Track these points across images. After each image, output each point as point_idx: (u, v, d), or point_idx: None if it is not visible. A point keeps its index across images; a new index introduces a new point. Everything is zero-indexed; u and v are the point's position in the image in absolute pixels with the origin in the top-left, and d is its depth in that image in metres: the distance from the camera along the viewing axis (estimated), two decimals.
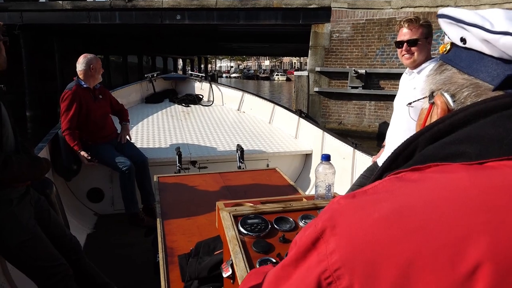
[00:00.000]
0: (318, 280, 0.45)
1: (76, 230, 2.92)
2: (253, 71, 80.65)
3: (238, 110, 5.88)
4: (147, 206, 3.56)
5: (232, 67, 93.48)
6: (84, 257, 2.24)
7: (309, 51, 10.57)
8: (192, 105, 6.08)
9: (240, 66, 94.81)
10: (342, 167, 3.60)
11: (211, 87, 6.27)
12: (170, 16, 11.68)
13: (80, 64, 3.40)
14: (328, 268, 0.44)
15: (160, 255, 1.72)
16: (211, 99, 6.21)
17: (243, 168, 3.52)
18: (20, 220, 1.83)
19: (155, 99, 6.21)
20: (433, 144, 0.51)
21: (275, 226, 1.20)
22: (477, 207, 0.41)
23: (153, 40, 20.81)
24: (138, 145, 3.97)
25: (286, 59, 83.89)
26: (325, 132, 4.18)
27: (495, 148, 0.45)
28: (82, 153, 3.32)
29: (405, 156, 0.54)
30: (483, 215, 0.40)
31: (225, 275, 1.10)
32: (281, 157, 4.16)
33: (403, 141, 0.55)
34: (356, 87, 9.89)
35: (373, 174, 0.62)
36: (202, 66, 39.30)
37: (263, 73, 72.69)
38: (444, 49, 0.59)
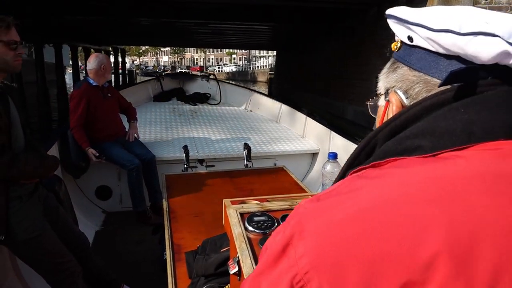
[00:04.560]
0: (290, 285, 0.46)
1: (85, 227, 2.95)
2: (151, 67, 69.53)
3: (246, 109, 5.89)
4: (154, 204, 3.58)
5: (125, 63, 74.13)
6: (92, 253, 2.26)
7: None
8: (199, 104, 6.11)
9: (135, 62, 77.64)
10: None
11: (219, 86, 6.30)
12: None
13: (91, 63, 3.43)
14: (299, 272, 0.45)
15: (167, 252, 1.72)
16: (219, 98, 6.22)
17: (250, 167, 3.52)
18: (29, 216, 1.85)
19: (163, 98, 6.26)
20: (390, 139, 0.53)
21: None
22: (431, 198, 0.42)
23: (56, 20, 10.98)
24: (146, 143, 3.99)
25: (187, 55, 74.70)
26: (332, 132, 4.17)
27: (446, 140, 0.47)
28: (90, 150, 3.35)
29: (366, 152, 0.56)
30: (437, 206, 0.41)
31: (231, 272, 1.10)
32: (288, 156, 4.15)
33: (364, 138, 0.58)
34: None
35: None
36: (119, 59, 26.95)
37: (164, 70, 59.45)
38: (395, 47, 0.61)
